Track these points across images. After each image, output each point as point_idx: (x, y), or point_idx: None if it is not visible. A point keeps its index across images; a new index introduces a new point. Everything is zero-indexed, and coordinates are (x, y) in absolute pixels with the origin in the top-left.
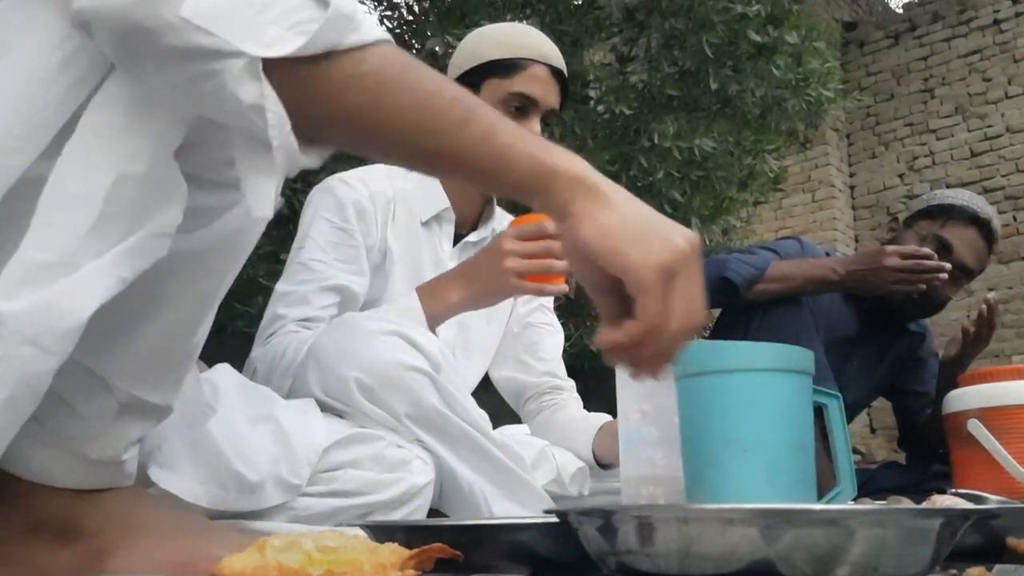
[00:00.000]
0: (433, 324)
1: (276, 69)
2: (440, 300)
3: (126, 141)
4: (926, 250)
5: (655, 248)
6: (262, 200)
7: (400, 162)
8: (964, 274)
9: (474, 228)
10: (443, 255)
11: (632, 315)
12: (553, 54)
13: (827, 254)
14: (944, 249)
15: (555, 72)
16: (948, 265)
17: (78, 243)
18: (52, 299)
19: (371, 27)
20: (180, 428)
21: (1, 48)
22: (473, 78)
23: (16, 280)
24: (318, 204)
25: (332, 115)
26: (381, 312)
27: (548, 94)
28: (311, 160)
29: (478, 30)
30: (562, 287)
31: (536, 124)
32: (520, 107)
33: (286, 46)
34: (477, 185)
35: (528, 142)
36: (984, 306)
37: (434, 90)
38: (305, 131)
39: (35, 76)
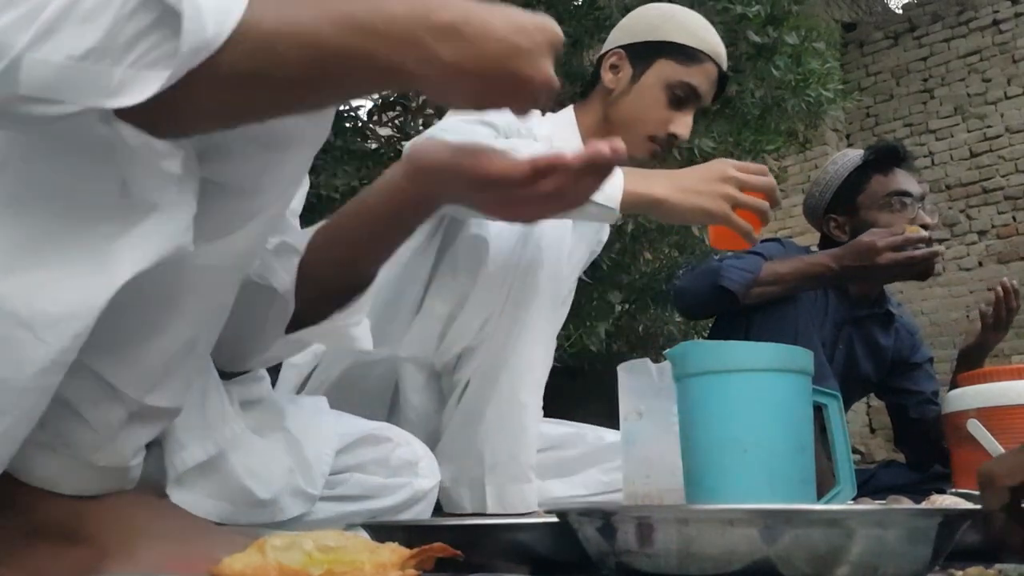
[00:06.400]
0: (626, 201)
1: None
2: (642, 179)
3: None
4: (918, 235)
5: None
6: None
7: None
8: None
9: None
10: None
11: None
12: (724, 58)
13: (807, 250)
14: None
15: (719, 75)
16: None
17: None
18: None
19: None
20: (204, 443)
21: None
22: (648, 51)
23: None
24: None
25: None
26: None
27: (710, 94)
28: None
29: (658, 5)
30: (755, 237)
31: (691, 117)
32: (683, 96)
33: (137, 91)
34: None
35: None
36: (1000, 288)
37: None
38: (199, 114)
39: None
